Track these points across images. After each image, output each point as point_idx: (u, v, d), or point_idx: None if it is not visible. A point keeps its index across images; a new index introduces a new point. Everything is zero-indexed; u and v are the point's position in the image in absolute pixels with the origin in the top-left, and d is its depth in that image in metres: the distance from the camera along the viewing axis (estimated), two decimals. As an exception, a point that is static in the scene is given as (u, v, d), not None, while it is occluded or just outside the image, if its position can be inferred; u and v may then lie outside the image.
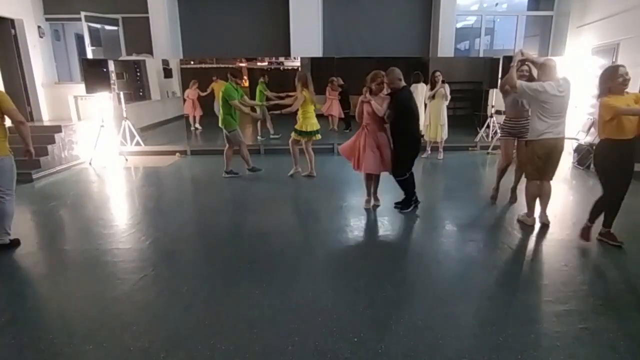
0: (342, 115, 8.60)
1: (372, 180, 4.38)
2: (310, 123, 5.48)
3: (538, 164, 3.74)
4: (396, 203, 4.42)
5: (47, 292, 2.88)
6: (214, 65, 9.79)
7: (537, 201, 3.94)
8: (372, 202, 4.48)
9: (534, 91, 3.59)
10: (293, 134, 5.60)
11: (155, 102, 9.34)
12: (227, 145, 5.78)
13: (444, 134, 6.87)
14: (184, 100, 8.95)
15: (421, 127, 7.35)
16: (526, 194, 3.96)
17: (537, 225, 3.92)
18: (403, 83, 4.02)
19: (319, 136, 5.68)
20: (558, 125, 3.65)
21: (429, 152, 7.21)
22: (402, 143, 4.11)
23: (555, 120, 3.63)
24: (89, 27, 7.54)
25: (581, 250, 3.41)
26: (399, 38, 8.37)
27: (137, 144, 7.66)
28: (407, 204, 4.34)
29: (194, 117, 9.20)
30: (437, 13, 8.00)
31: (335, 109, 8.44)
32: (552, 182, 3.91)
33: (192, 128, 9.27)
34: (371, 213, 4.33)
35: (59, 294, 2.84)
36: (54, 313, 2.59)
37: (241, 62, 9.19)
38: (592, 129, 6.61)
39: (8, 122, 3.36)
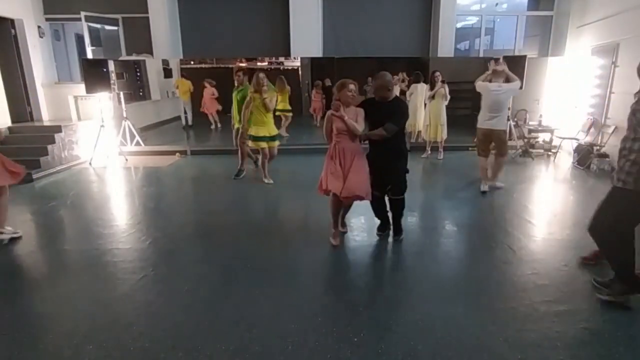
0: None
1: (341, 207, 3.54)
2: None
3: (481, 145, 4.98)
4: (394, 236, 3.68)
5: (47, 292, 2.88)
6: (214, 65, 9.80)
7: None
8: (340, 233, 3.64)
9: (479, 87, 4.84)
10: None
11: (155, 102, 9.35)
12: None
13: (443, 134, 6.87)
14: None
15: (421, 127, 7.43)
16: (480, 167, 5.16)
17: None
18: (393, 94, 3.40)
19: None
20: (493, 118, 4.72)
21: (429, 152, 7.21)
22: (404, 157, 3.51)
23: (491, 113, 4.71)
24: (89, 27, 7.54)
25: (581, 250, 3.40)
26: (399, 38, 8.37)
27: (137, 144, 7.66)
28: (400, 228, 3.68)
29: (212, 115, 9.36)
30: (437, 13, 8.00)
31: (318, 108, 9.66)
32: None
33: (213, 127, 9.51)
34: (370, 213, 4.32)
35: (59, 294, 2.83)
36: (54, 313, 2.59)
37: (241, 62, 9.19)
38: (592, 129, 6.62)
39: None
